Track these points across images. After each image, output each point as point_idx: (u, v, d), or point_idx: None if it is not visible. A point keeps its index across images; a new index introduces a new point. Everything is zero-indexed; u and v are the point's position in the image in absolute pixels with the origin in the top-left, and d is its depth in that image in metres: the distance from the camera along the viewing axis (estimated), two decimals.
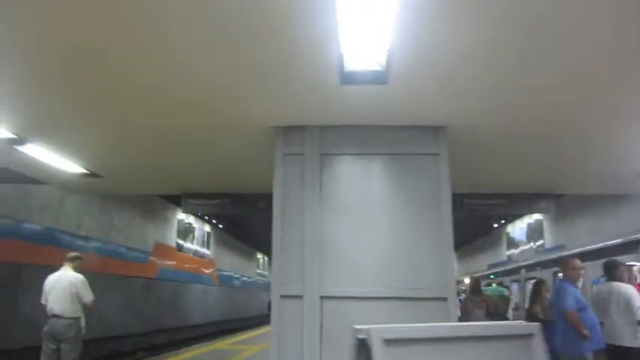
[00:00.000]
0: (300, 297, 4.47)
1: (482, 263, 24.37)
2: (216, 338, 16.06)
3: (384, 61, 3.52)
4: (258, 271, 32.47)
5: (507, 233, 21.11)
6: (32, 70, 3.87)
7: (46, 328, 5.61)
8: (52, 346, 5.54)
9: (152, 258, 15.73)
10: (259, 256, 32.91)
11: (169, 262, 17.12)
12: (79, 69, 3.80)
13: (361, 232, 4.59)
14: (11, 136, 5.29)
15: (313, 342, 4.35)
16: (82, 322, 5.75)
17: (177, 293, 17.66)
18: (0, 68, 3.83)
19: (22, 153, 5.80)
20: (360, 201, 4.67)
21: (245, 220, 22.59)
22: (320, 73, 3.76)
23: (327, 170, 4.74)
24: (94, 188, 8.13)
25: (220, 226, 22.71)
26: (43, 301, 5.73)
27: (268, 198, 7.73)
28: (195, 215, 19.60)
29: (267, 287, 35.51)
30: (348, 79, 3.79)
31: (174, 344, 15.87)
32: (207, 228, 21.31)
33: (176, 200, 17.24)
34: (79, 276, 5.82)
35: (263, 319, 29.52)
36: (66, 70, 3.84)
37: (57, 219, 10.79)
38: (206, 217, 20.58)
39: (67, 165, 6.41)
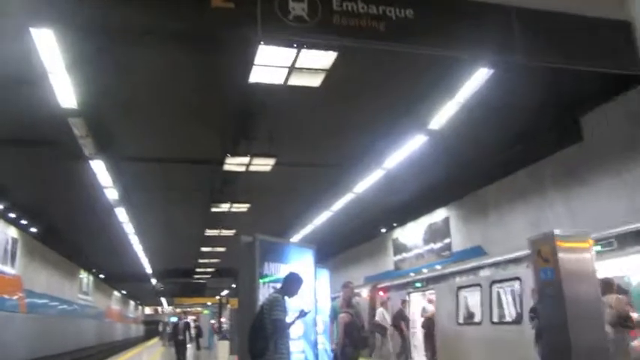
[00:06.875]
0: None
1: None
2: None
3: None
4: (80, 295, 26.05)
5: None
6: None
7: None
8: None
9: None
10: (83, 275, 26.57)
11: None
12: None
13: None
14: None
15: None
16: None
17: None
18: None
19: None
20: None
21: (67, 222, 17.19)
22: None
23: None
24: None
25: (33, 229, 16.96)
26: None
27: None
28: None
29: (91, 314, 28.87)
30: None
31: None
32: (12, 233, 15.47)
33: None
34: None
35: (86, 353, 23.64)
36: None
37: None
38: (10, 216, 14.83)
39: None
